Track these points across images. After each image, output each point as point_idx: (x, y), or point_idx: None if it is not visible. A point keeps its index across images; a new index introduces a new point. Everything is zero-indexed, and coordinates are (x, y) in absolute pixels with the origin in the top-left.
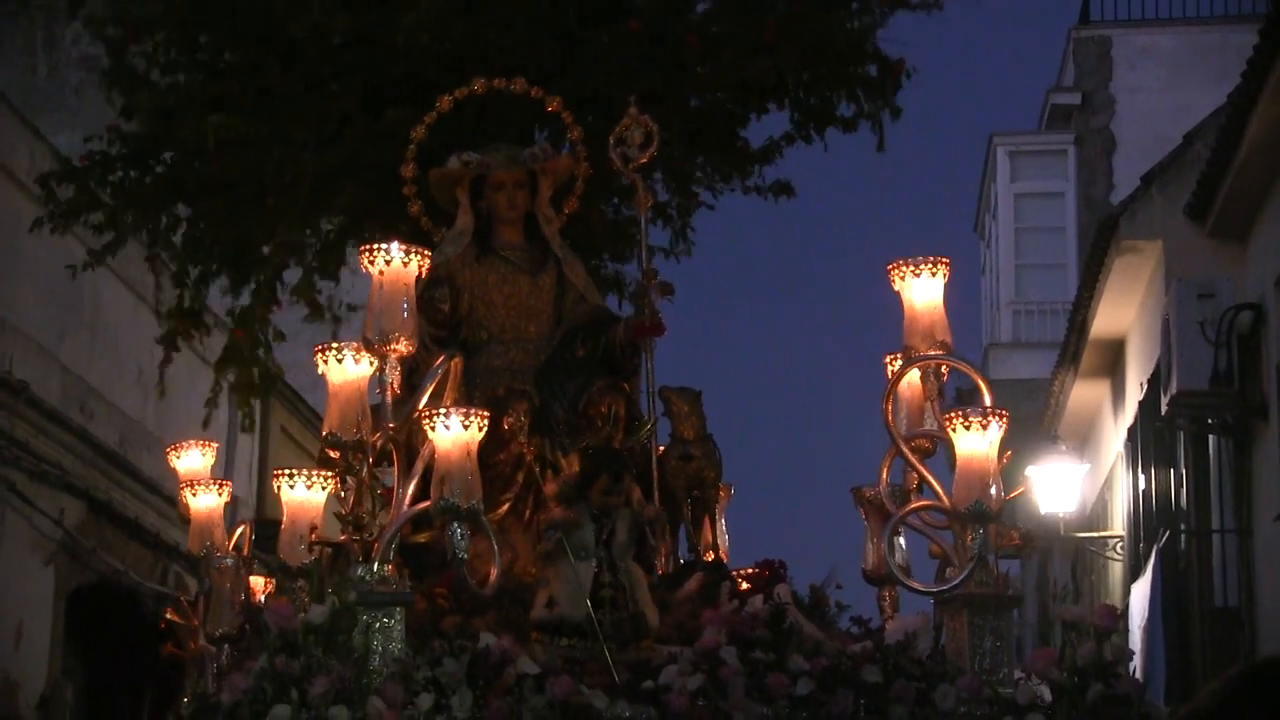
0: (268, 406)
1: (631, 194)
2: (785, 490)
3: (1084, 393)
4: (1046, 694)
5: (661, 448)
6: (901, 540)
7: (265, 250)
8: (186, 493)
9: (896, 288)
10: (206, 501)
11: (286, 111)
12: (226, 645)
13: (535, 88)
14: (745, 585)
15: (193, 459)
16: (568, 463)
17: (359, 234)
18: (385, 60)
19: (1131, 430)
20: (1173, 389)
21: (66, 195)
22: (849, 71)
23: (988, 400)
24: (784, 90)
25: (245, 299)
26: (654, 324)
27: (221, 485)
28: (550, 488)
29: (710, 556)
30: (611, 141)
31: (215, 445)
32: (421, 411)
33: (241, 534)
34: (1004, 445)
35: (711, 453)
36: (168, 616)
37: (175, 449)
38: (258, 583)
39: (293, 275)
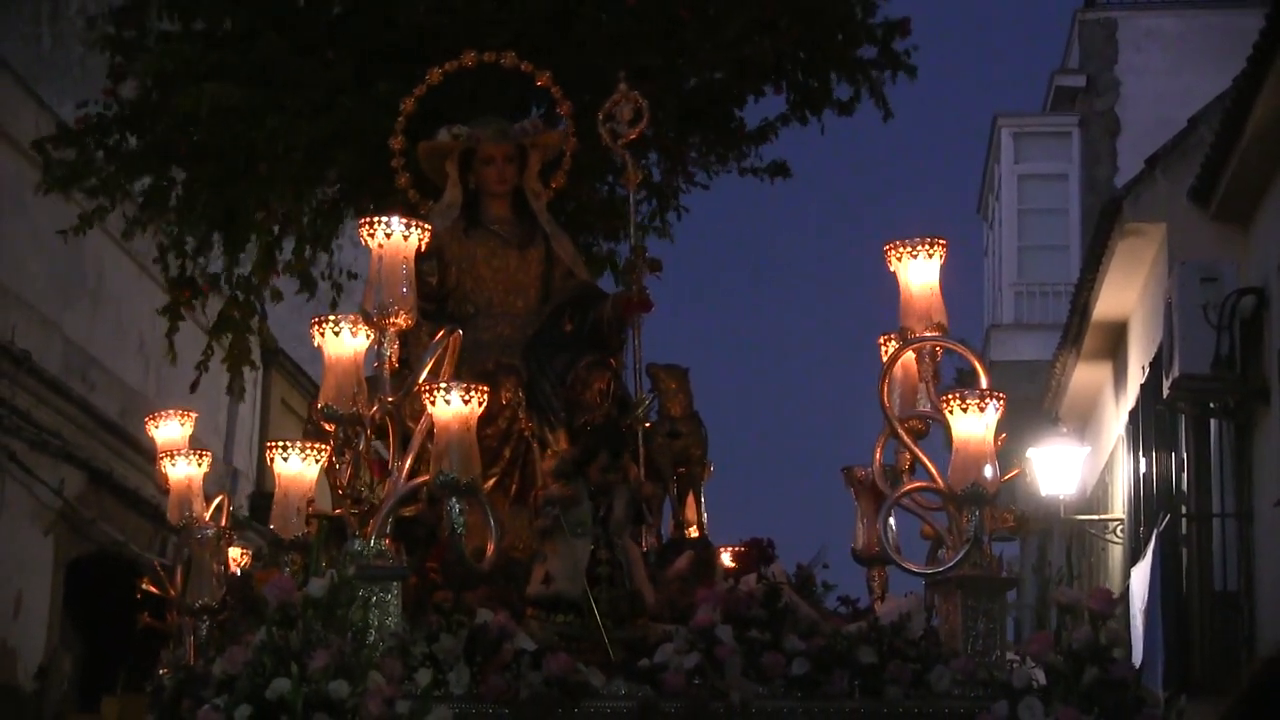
0: (269, 378)
1: (620, 170)
2: (769, 469)
3: (1085, 375)
4: (1041, 676)
5: (647, 424)
6: (892, 520)
7: (258, 217)
8: (165, 463)
9: (893, 268)
10: (185, 471)
11: (281, 80)
12: (206, 617)
13: (525, 63)
14: (733, 564)
15: (171, 429)
16: (555, 438)
17: (355, 204)
18: (381, 31)
19: (1133, 413)
20: (1174, 372)
21: (66, 159)
22: (847, 54)
23: (984, 382)
24: (781, 71)
25: (243, 267)
26: (642, 300)
27: (201, 455)
28: (549, 464)
29: (694, 533)
30: (601, 117)
31: (194, 415)
32: (422, 385)
33: (219, 504)
34: (1004, 427)
35: (698, 430)
36: (144, 587)
37: (154, 419)
38: (233, 554)
39: (288, 246)
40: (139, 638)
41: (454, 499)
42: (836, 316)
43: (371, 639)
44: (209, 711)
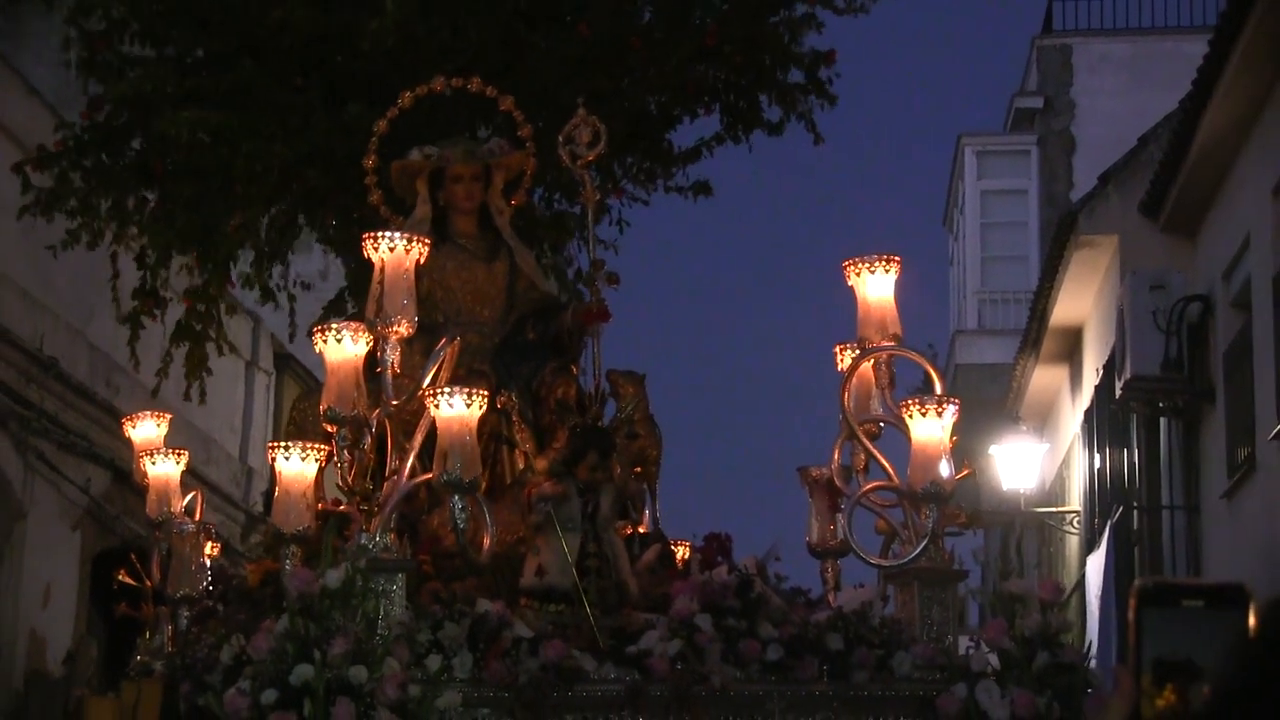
0: (281, 381)
1: (567, 188)
2: (714, 468)
3: (1044, 377)
4: (995, 661)
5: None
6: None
7: (229, 232)
8: (145, 461)
9: (851, 283)
10: (164, 469)
11: (256, 104)
12: (186, 606)
13: (490, 87)
14: (691, 556)
15: (147, 429)
16: (522, 439)
17: (316, 219)
18: (348, 58)
19: (1088, 412)
20: (1126, 374)
21: (45, 182)
22: (776, 78)
23: (939, 388)
24: (715, 94)
25: (200, 279)
26: (600, 311)
27: (179, 454)
28: (541, 463)
29: (643, 529)
30: (560, 139)
31: (168, 416)
32: (425, 390)
33: (192, 499)
34: (968, 427)
35: (654, 432)
36: (119, 578)
37: (129, 420)
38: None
39: (245, 256)
40: (116, 626)
41: (456, 497)
42: (798, 325)
43: (380, 627)
44: (236, 695)
